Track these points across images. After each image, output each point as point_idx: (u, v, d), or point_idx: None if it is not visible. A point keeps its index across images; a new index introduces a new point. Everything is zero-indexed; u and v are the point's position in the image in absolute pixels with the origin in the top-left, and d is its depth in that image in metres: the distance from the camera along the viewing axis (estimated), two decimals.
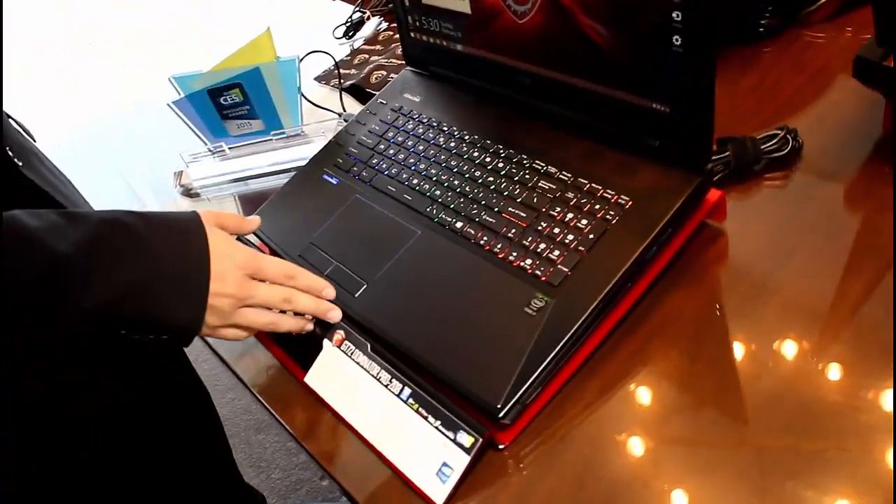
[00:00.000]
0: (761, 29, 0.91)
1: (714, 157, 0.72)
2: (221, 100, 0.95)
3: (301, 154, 0.96)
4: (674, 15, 0.58)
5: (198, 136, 1.00)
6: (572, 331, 0.59)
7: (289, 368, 0.72)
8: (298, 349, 0.71)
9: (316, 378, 0.69)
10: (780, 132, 0.73)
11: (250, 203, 0.98)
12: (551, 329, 0.59)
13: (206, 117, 0.97)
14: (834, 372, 0.56)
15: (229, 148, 1.00)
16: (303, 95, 0.98)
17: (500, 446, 0.59)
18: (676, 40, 0.59)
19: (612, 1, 0.63)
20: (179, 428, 0.97)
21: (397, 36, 1.15)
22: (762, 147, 0.72)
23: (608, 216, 0.64)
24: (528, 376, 0.58)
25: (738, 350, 0.60)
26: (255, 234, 0.83)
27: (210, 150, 1.00)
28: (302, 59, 0.98)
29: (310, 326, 0.70)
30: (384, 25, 1.23)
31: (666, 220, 0.62)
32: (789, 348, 0.59)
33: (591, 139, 0.71)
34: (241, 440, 1.70)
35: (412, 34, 0.89)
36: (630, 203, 0.64)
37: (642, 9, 0.61)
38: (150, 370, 0.85)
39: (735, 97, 0.84)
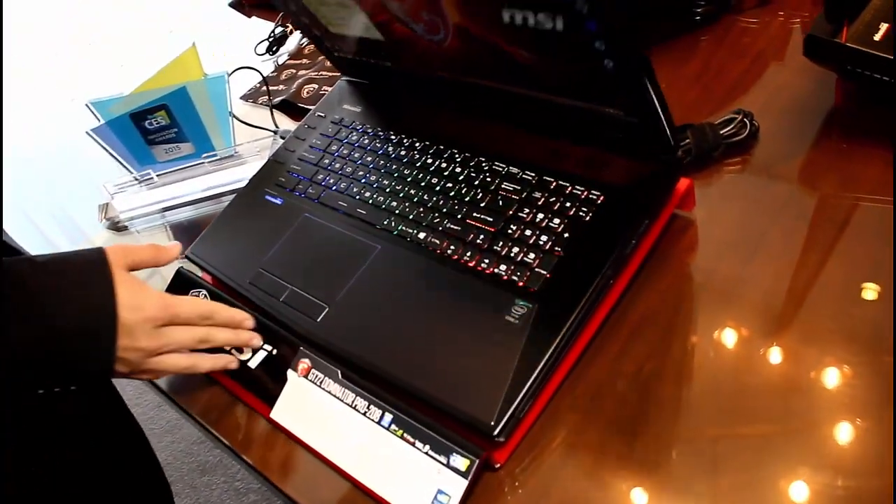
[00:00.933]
0: (697, 17, 0.91)
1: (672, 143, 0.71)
2: (146, 123, 0.88)
3: (237, 176, 0.91)
4: (595, 44, 0.53)
5: (122, 164, 0.93)
6: (561, 334, 0.56)
7: (252, 406, 0.66)
8: (260, 385, 0.66)
9: (283, 413, 0.63)
10: (737, 116, 0.72)
11: (185, 232, 0.92)
12: (538, 335, 0.56)
13: (130, 144, 0.90)
14: (808, 357, 0.55)
15: (157, 175, 0.93)
16: (232, 115, 0.93)
17: (496, 465, 0.55)
18: (606, 62, 0.54)
19: (521, 31, 0.58)
20: (113, 476, 0.91)
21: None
22: (721, 132, 0.71)
23: (581, 213, 0.61)
24: (519, 388, 0.54)
25: (721, 343, 0.58)
26: (197, 264, 0.78)
27: (136, 179, 0.93)
28: (232, 74, 0.92)
29: (234, 364, 0.66)
30: (307, 40, 1.18)
31: (642, 211, 0.60)
32: (766, 338, 0.57)
33: (551, 136, 0.68)
34: (185, 485, 1.61)
35: (336, 54, 0.85)
36: (602, 198, 0.62)
37: (558, 39, 0.55)
38: (78, 416, 0.78)
39: (682, 85, 0.83)
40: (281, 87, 1.08)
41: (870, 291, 0.57)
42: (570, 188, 0.63)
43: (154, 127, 0.89)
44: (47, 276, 0.57)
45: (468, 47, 0.66)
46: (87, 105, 0.87)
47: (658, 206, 0.62)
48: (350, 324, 0.64)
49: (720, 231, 0.67)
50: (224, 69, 0.92)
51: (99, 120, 0.87)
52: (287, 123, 1.00)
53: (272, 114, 1.00)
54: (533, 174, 0.66)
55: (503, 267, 0.61)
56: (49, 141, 0.92)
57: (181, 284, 0.76)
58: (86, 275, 0.59)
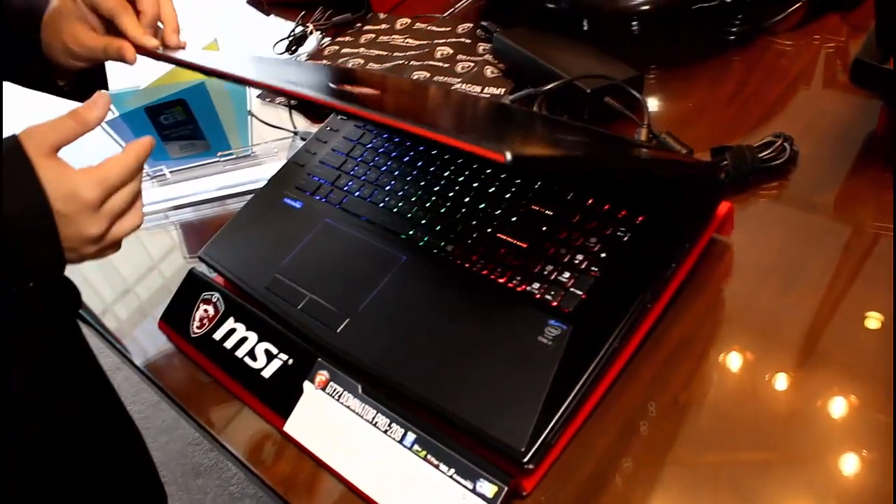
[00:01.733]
0: (732, 37, 0.89)
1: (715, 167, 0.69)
2: (162, 119, 0.86)
3: (253, 176, 0.88)
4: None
5: None
6: (597, 359, 0.53)
7: (264, 416, 0.63)
8: (274, 395, 0.63)
9: (298, 426, 0.61)
10: (776, 140, 0.70)
11: (196, 233, 0.89)
12: (572, 358, 0.53)
13: None
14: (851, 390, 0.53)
15: (170, 172, 0.90)
16: (251, 113, 0.90)
17: (524, 493, 0.53)
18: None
19: None
20: (111, 477, 0.88)
21: (344, 50, 1.09)
22: (759, 155, 0.69)
23: (619, 232, 0.59)
24: (551, 414, 0.52)
25: (758, 373, 0.56)
26: (211, 266, 0.75)
27: (148, 175, 0.91)
28: None
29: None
30: (327, 41, 1.16)
31: (683, 233, 0.58)
32: (802, 368, 0.55)
33: None
34: (178, 487, 1.57)
35: None
36: (641, 218, 0.59)
37: None
38: (77, 416, 0.75)
39: (717, 106, 0.81)
40: None
41: None
42: (607, 206, 0.61)
43: (170, 122, 0.86)
44: None
45: None
46: None
47: (699, 229, 0.60)
48: (372, 336, 0.62)
49: (757, 257, 0.64)
50: None
51: (114, 113, 0.85)
52: (305, 125, 0.97)
53: (291, 114, 0.97)
54: (570, 191, 0.64)
55: (536, 285, 0.58)
56: None
57: (193, 287, 0.74)
58: (7, 174, 0.53)
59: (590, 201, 0.62)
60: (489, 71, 0.89)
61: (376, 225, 0.70)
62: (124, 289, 0.88)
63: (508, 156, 0.38)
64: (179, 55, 0.64)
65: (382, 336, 0.61)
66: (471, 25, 1.02)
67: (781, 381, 0.55)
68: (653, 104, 0.84)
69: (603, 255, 0.58)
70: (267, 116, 0.99)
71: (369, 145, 0.78)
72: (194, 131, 0.88)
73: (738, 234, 0.66)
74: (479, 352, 0.57)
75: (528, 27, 0.90)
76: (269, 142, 0.90)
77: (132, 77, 0.86)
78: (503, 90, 0.86)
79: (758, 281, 0.62)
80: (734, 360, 0.58)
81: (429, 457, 0.54)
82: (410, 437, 0.55)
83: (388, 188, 0.73)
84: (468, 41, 0.98)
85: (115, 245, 0.61)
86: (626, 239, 0.58)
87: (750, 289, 0.62)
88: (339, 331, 0.63)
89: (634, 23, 0.89)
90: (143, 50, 0.65)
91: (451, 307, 0.61)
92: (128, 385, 1.66)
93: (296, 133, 0.90)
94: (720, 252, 0.65)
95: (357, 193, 0.74)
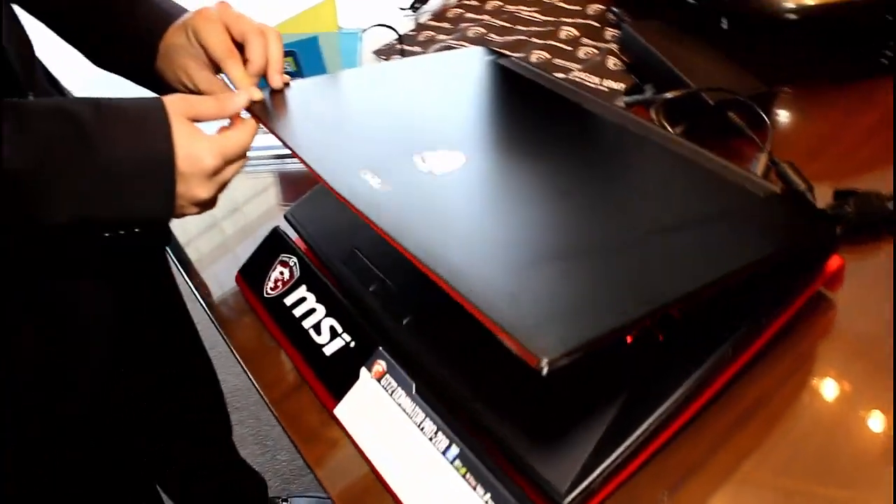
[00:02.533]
0: (884, 61, 0.80)
1: (835, 212, 0.63)
2: None
3: None
4: None
5: None
6: (657, 413, 0.50)
7: (318, 394, 0.63)
8: (331, 375, 0.63)
9: (347, 411, 0.60)
10: None
11: (292, 185, 0.90)
12: (632, 407, 0.50)
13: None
14: None
15: None
16: None
17: None
18: None
19: None
20: (111, 478, 0.92)
21: (468, 14, 1.05)
22: (889, 205, 0.62)
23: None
24: (600, 460, 0.49)
25: (835, 455, 0.51)
26: (294, 227, 0.75)
27: None
28: (364, 31, 0.88)
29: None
30: (454, 0, 1.12)
31: (781, 287, 0.53)
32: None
33: None
34: (249, 414, 1.63)
35: None
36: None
37: None
38: (78, 416, 0.78)
39: (853, 138, 0.74)
40: (417, 48, 1.03)
41: None
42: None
43: None
44: (104, 120, 0.58)
45: None
46: None
47: (799, 286, 0.55)
48: (437, 337, 0.60)
49: (863, 324, 0.58)
50: (360, 24, 0.87)
51: None
52: None
53: None
54: None
55: None
56: None
57: (274, 246, 0.74)
58: (144, 122, 0.59)
59: None
60: (612, 62, 0.84)
61: None
62: (211, 224, 0.90)
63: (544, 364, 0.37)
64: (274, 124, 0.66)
65: (447, 339, 0.60)
66: (602, 7, 0.96)
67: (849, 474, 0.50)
68: (780, 126, 0.77)
69: None
70: None
71: None
72: None
73: (848, 292, 0.60)
74: (540, 381, 0.54)
75: (661, 20, 0.84)
76: None
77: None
78: (622, 85, 0.81)
79: (855, 351, 0.57)
80: (810, 433, 0.53)
81: (468, 475, 0.52)
82: (454, 450, 0.54)
83: None
84: (596, 24, 0.93)
85: (204, 210, 0.65)
86: None
87: (844, 358, 0.57)
88: (404, 323, 0.62)
89: (777, 30, 0.81)
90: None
91: None
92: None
93: None
94: (822, 309, 0.60)
95: None
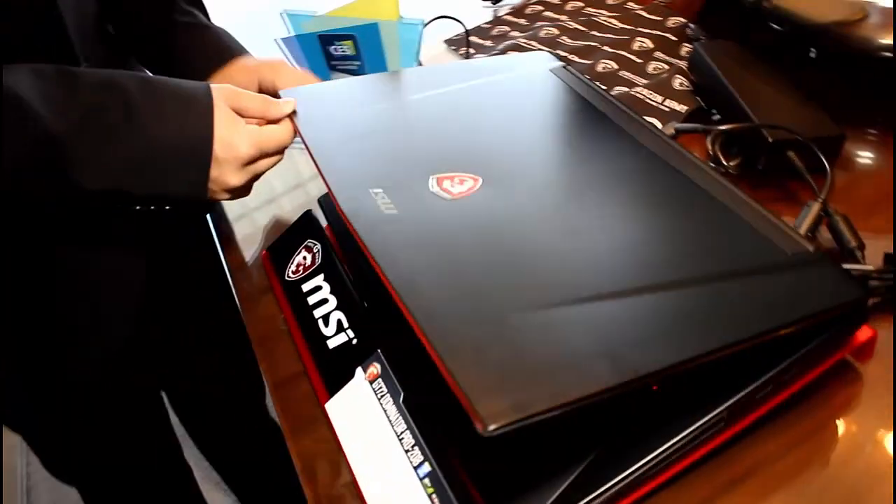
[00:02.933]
0: None
1: (875, 276, 0.58)
2: (332, 49, 0.85)
3: None
4: None
5: None
6: (632, 469, 0.47)
7: (314, 386, 0.63)
8: (331, 368, 0.63)
9: (337, 408, 0.60)
10: None
11: None
12: (607, 459, 0.48)
13: (313, 62, 0.88)
14: None
15: None
16: (420, 64, 0.87)
17: None
18: None
19: None
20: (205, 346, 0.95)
21: (546, 13, 1.02)
22: None
23: None
24: None
25: None
26: (325, 213, 0.75)
27: None
28: (427, 24, 0.87)
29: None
30: None
31: (797, 356, 0.49)
32: None
33: None
34: None
35: None
36: None
37: None
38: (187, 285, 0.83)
39: None
40: (488, 42, 1.00)
41: None
42: None
43: (339, 54, 0.85)
44: (152, 97, 0.60)
45: None
46: (281, 14, 0.84)
47: (820, 353, 0.51)
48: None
49: (890, 401, 0.54)
50: (426, 14, 0.86)
51: (289, 31, 0.85)
52: None
53: None
54: None
55: None
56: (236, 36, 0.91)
57: (302, 229, 0.74)
58: (189, 103, 0.62)
59: None
60: (678, 81, 0.80)
61: None
62: (270, 198, 0.90)
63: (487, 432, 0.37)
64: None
65: None
66: (683, 21, 0.91)
67: None
68: (844, 174, 0.71)
69: None
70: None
71: None
72: (360, 69, 0.86)
73: (877, 365, 0.55)
74: None
75: (738, 42, 0.79)
76: None
77: (312, 1, 0.86)
78: (685, 107, 0.77)
79: (880, 424, 0.52)
80: None
81: (433, 496, 0.51)
82: (426, 468, 0.53)
83: None
84: (673, 39, 0.88)
85: (234, 197, 0.68)
86: None
87: (862, 437, 0.52)
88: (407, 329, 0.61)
89: (869, 68, 0.75)
90: None
91: None
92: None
93: None
94: (847, 380, 0.55)
95: None
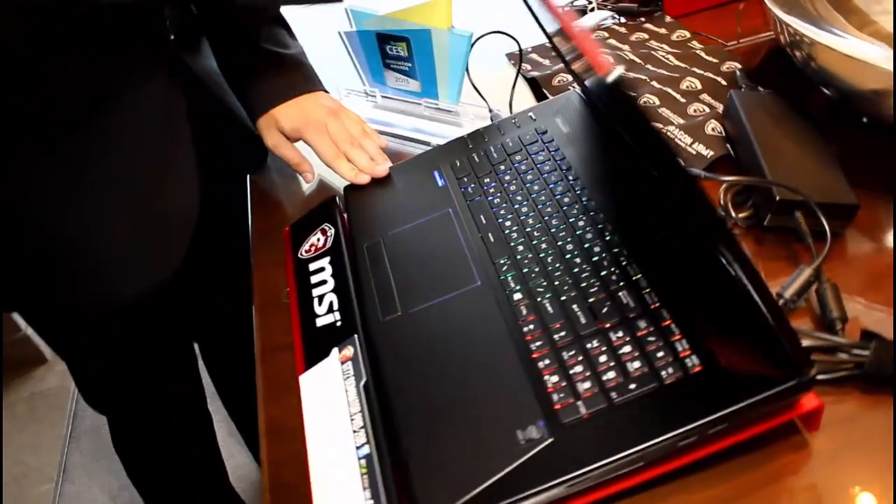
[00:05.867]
0: None
1: (850, 352, 0.58)
2: (388, 48, 0.89)
3: (444, 132, 0.90)
4: None
5: (358, 72, 0.96)
6: (547, 485, 0.49)
7: (296, 358, 0.68)
8: (313, 344, 0.67)
9: (308, 382, 0.64)
10: None
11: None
12: (529, 469, 0.50)
13: (370, 59, 0.93)
14: None
15: (381, 96, 0.95)
16: (468, 72, 0.90)
17: None
18: None
19: None
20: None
21: (610, 40, 1.04)
22: None
23: (665, 372, 0.53)
24: None
25: None
26: (346, 203, 0.79)
27: (365, 92, 0.96)
28: (482, 37, 0.90)
29: (364, 178, 0.81)
30: (609, 22, 1.10)
31: (721, 414, 0.50)
32: None
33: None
34: None
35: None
36: (697, 368, 0.52)
37: None
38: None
39: None
40: (546, 61, 1.03)
41: None
42: (676, 337, 0.54)
43: (393, 54, 0.90)
44: (296, 70, 0.88)
45: None
46: (346, 10, 0.89)
47: (749, 417, 0.51)
48: (403, 342, 0.62)
49: (840, 476, 0.53)
50: (503, 22, 0.91)
51: (352, 26, 0.90)
52: (526, 102, 0.95)
53: (513, 88, 0.95)
54: (656, 300, 0.58)
55: (555, 378, 0.55)
56: (305, 28, 0.96)
57: (322, 212, 0.79)
58: (308, 80, 0.88)
59: (668, 322, 0.56)
60: (711, 126, 0.80)
61: (482, 237, 0.69)
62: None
63: None
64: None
65: (409, 346, 0.62)
66: (738, 66, 0.91)
67: None
68: (855, 243, 0.70)
69: (631, 386, 0.53)
70: (500, 76, 0.99)
71: (534, 155, 0.76)
72: (410, 70, 0.90)
73: (827, 439, 0.55)
74: (467, 412, 0.56)
75: (779, 95, 0.79)
76: (475, 106, 0.90)
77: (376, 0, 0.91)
78: (711, 153, 0.78)
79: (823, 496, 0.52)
80: None
81: (364, 476, 0.55)
82: (365, 450, 0.56)
83: (515, 206, 0.71)
84: (723, 83, 0.88)
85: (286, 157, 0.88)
86: (666, 381, 0.52)
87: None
88: (383, 319, 0.64)
89: None
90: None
91: (477, 354, 0.59)
92: None
93: (491, 110, 0.89)
94: (794, 444, 0.55)
95: (490, 197, 0.73)
